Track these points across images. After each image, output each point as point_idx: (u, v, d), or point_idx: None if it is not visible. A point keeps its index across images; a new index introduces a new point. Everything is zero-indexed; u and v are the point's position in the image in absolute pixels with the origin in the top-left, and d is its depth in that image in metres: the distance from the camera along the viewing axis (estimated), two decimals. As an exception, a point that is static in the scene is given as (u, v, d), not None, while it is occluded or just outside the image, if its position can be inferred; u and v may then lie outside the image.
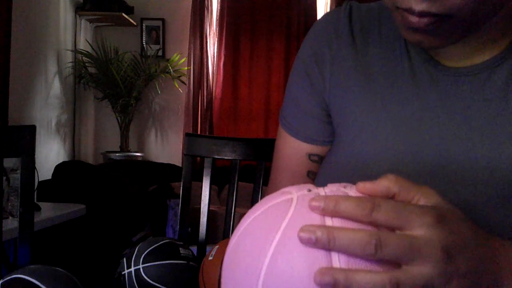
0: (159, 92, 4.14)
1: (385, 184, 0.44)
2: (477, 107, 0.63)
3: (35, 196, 2.42)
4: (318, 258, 0.40)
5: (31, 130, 1.25)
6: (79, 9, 3.98)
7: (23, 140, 1.23)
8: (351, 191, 0.45)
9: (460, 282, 0.42)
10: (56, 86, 3.73)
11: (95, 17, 4.01)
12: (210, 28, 4.28)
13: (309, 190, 0.45)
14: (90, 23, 4.14)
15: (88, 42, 4.06)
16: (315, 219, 0.42)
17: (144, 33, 4.27)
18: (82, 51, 3.94)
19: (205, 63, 4.24)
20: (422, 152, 0.64)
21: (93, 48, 3.97)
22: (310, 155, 0.79)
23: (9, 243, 1.87)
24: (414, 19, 0.54)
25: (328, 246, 0.40)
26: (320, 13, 4.25)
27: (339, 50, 0.73)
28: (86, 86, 4.07)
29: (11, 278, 0.74)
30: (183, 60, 4.12)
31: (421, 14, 0.53)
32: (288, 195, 0.45)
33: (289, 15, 4.26)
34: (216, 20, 4.29)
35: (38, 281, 0.72)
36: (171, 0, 4.31)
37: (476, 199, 0.60)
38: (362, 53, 0.71)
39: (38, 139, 3.21)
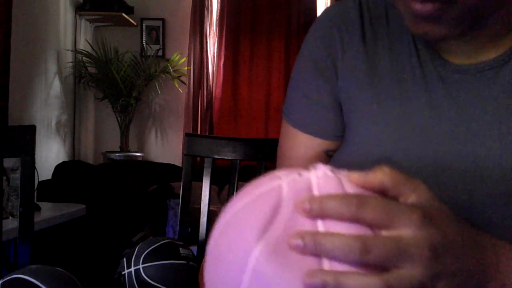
0: (159, 92, 4.13)
1: (379, 178, 0.43)
2: (484, 105, 0.63)
3: (35, 196, 2.42)
4: (308, 260, 0.39)
5: (31, 130, 1.25)
6: (79, 9, 3.98)
7: (23, 140, 1.23)
8: (342, 174, 0.44)
9: (448, 282, 0.42)
10: (56, 86, 3.73)
11: (95, 17, 4.01)
12: (210, 28, 4.28)
13: (300, 174, 0.44)
14: (90, 23, 4.14)
15: (88, 42, 4.06)
16: (306, 221, 0.41)
17: (144, 33, 4.27)
18: (82, 51, 3.94)
19: (205, 63, 4.24)
20: (430, 149, 0.64)
21: (93, 48, 3.97)
22: (328, 151, 0.76)
23: (9, 243, 1.87)
24: (417, 5, 0.54)
25: (315, 252, 0.39)
26: (320, 13, 4.23)
27: (350, 43, 0.72)
28: (86, 86, 4.06)
29: (11, 278, 0.74)
30: (183, 60, 4.11)
31: (424, 0, 0.53)
32: (277, 180, 0.44)
33: (289, 15, 4.26)
34: (216, 20, 4.29)
35: (38, 281, 0.72)
36: (171, 0, 4.31)
37: (483, 196, 0.60)
38: (371, 48, 0.71)
39: (38, 139, 3.20)
